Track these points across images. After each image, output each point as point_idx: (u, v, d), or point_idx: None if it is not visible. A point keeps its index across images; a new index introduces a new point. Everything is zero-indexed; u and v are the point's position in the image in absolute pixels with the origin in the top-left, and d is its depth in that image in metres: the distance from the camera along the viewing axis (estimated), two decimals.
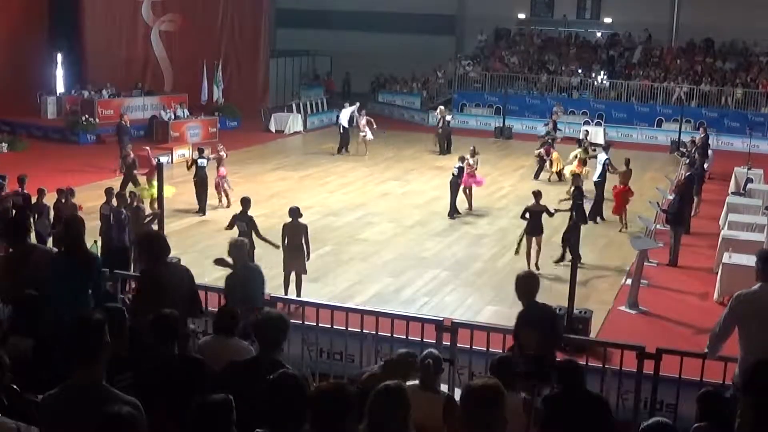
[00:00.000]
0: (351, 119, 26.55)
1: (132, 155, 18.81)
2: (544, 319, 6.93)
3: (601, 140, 25.05)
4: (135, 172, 18.46)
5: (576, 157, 20.58)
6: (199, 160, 18.55)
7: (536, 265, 14.43)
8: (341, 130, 26.42)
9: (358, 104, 27.09)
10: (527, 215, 14.57)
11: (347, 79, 40.15)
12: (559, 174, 22.09)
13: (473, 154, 19.26)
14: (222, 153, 19.05)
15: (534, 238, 14.53)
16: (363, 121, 25.91)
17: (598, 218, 18.11)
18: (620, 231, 17.40)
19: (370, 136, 25.81)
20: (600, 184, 18.38)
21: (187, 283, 6.82)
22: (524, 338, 6.81)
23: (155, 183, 17.27)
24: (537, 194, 14.81)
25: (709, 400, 5.61)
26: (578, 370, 5.88)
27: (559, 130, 25.99)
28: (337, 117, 27.48)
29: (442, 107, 29.40)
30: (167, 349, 5.27)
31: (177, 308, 5.75)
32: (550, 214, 14.89)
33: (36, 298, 6.31)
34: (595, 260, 15.28)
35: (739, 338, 6.40)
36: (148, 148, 19.82)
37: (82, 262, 7.07)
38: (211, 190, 18.66)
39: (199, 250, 15.24)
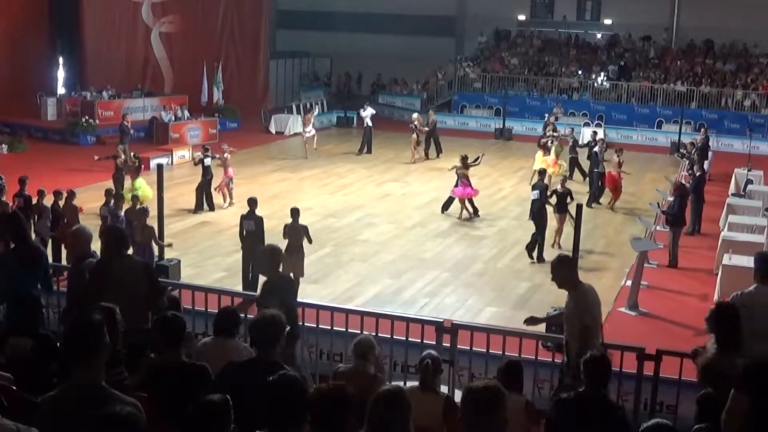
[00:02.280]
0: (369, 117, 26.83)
1: (123, 156, 18.42)
2: (283, 287, 7.53)
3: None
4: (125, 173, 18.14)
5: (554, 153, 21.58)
6: (205, 159, 18.58)
7: (558, 243, 15.55)
8: (365, 131, 26.61)
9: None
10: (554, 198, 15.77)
11: (347, 81, 40.16)
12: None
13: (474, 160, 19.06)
14: (227, 155, 19.00)
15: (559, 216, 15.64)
16: (312, 118, 25.91)
17: (593, 204, 19.64)
18: (611, 209, 19.33)
19: (312, 132, 25.53)
20: (596, 173, 20.18)
21: (145, 278, 6.89)
22: (263, 305, 7.10)
23: (137, 185, 17.30)
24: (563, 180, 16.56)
25: (709, 401, 5.60)
26: (606, 366, 5.35)
27: (557, 132, 25.92)
28: (356, 118, 27.17)
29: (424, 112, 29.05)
30: (174, 354, 5.18)
31: (127, 301, 5.77)
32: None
33: (37, 299, 6.33)
34: (596, 261, 15.30)
35: None
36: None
37: (26, 256, 7.19)
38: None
39: (199, 250, 15.27)
